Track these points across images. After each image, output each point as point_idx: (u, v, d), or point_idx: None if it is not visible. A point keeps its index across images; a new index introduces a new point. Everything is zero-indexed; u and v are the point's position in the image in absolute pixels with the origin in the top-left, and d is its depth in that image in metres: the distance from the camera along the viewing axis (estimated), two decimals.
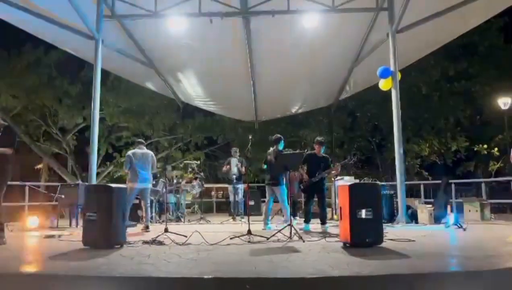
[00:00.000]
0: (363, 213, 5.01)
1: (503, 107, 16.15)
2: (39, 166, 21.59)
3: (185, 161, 15.55)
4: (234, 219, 9.96)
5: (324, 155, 7.72)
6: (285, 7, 9.24)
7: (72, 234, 6.78)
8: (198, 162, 10.15)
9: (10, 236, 5.89)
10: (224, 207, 14.63)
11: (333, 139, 16.74)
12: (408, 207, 8.84)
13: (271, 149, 7.89)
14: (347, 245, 5.12)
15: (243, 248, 5.12)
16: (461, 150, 17.48)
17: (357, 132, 19.27)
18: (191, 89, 13.88)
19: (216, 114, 17.79)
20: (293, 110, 15.42)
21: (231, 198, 10.33)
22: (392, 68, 9.05)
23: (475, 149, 16.89)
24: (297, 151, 7.39)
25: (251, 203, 11.93)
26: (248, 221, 6.21)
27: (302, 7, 9.37)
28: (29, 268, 4.02)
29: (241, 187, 10.23)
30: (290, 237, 5.82)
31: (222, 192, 16.80)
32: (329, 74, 12.60)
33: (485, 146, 16.48)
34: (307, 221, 7.49)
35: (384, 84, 9.21)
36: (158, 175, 9.72)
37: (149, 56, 11.75)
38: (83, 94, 17.06)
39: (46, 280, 3.58)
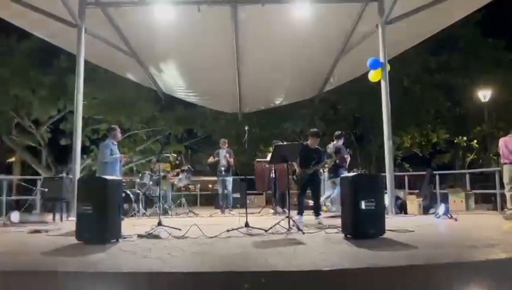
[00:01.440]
0: (366, 204, 4.95)
1: (483, 100, 16.51)
2: (12, 159, 20.82)
3: (165, 154, 15.26)
4: (223, 212, 9.81)
5: (317, 147, 7.65)
6: None
7: (60, 229, 6.49)
8: (175, 155, 9.92)
9: None
10: (208, 200, 14.49)
11: None
12: (397, 198, 8.90)
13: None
14: (349, 236, 5.07)
15: (245, 241, 4.99)
16: (441, 142, 17.82)
17: (338, 124, 19.32)
18: (174, 80, 13.59)
19: (197, 106, 17.53)
20: (277, 102, 15.33)
21: (220, 191, 10.15)
22: (381, 59, 9.06)
23: (455, 141, 17.24)
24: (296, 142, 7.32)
25: (237, 195, 11.81)
26: (246, 213, 6.08)
27: None
28: (27, 266, 3.77)
29: (229, 179, 10.08)
30: (289, 229, 5.73)
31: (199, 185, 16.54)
32: (315, 65, 12.53)
33: (465, 138, 16.85)
34: (300, 213, 7.41)
35: (373, 76, 9.21)
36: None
37: (132, 45, 11.40)
38: (58, 85, 16.51)
39: (48, 278, 3.38)
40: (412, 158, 19.78)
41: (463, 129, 18.17)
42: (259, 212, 9.71)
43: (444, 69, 17.60)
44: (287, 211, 9.29)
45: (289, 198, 6.31)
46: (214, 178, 16.89)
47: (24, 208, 8.20)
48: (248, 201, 12.29)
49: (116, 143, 7.65)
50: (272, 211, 9.67)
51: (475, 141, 16.87)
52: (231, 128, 18.90)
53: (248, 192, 12.73)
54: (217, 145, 12.27)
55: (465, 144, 17.08)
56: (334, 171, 8.73)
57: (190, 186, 14.98)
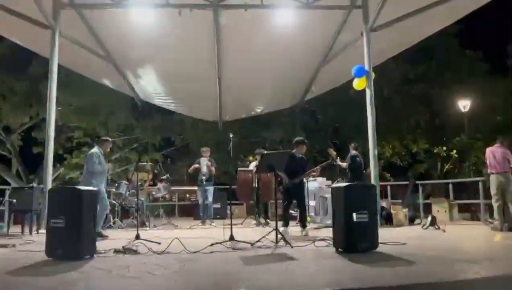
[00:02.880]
0: (358, 216, 4.71)
1: (463, 110, 16.67)
2: None
3: (140, 163, 14.77)
4: (203, 223, 9.42)
5: (302, 156, 7.41)
6: (259, 1, 8.88)
7: (29, 243, 6.02)
8: (151, 164, 9.51)
9: None
10: (186, 211, 14.04)
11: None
12: (382, 209, 8.72)
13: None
14: (340, 250, 4.81)
15: (231, 256, 4.66)
16: (420, 152, 17.92)
17: (319, 134, 19.24)
18: (152, 86, 13.18)
19: (175, 114, 17.11)
20: (258, 110, 15.06)
21: (200, 201, 9.75)
22: (366, 67, 8.92)
23: (435, 151, 17.36)
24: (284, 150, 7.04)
25: (217, 206, 11.44)
26: (231, 225, 5.74)
27: (275, 2, 9.07)
28: None
29: (211, 189, 9.70)
30: (276, 243, 5.42)
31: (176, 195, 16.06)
32: (296, 73, 12.36)
33: (444, 148, 16.97)
34: (286, 224, 7.13)
35: (358, 84, 9.06)
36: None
37: (109, 49, 10.96)
38: (31, 91, 15.87)
39: None
40: (390, 168, 19.84)
41: (441, 139, 18.33)
42: (241, 223, 9.38)
43: (423, 79, 17.76)
44: (270, 221, 9.11)
45: (276, 209, 6.01)
46: (192, 188, 16.52)
47: None
48: (228, 212, 11.99)
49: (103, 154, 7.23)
50: (254, 222, 9.35)
51: (454, 151, 17.03)
52: (210, 136, 18.54)
53: (228, 202, 12.38)
54: (195, 154, 11.95)
55: (444, 154, 17.20)
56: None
57: (166, 196, 14.50)
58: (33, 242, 6.14)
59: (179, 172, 21.02)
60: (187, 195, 19.44)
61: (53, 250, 4.51)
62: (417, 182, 10.92)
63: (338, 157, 9.26)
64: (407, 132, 17.76)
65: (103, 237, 6.68)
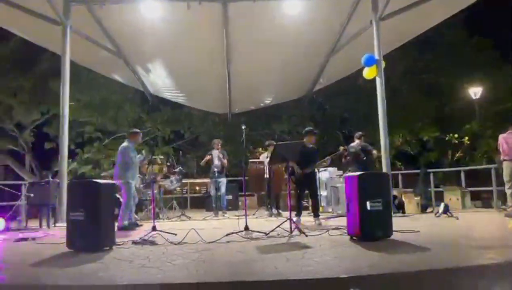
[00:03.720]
0: (373, 204, 4.74)
1: (474, 97, 16.54)
2: None
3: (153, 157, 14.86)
4: (216, 214, 9.52)
5: (313, 145, 7.43)
6: None
7: (48, 236, 6.14)
8: (162, 157, 9.57)
9: None
10: (197, 203, 14.15)
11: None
12: (394, 197, 8.73)
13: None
14: (355, 238, 4.86)
15: (247, 246, 4.73)
16: (430, 140, 17.84)
17: (327, 124, 19.19)
18: (162, 80, 13.26)
19: (184, 107, 17.20)
20: (267, 102, 15.10)
21: (212, 193, 9.84)
22: (376, 56, 8.90)
23: (447, 138, 17.27)
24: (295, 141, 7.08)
25: (229, 197, 11.53)
26: (245, 215, 5.81)
27: None
28: (15, 279, 3.45)
29: (223, 180, 9.79)
30: (291, 232, 5.48)
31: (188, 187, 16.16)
32: (305, 64, 12.34)
33: (456, 135, 16.89)
34: (299, 214, 7.18)
35: (368, 73, 9.04)
36: None
37: (118, 44, 11.05)
38: (40, 88, 16.02)
39: None
40: (401, 156, 19.76)
41: (451, 128, 18.20)
42: (253, 214, 9.47)
43: (431, 68, 17.61)
44: (281, 212, 9.18)
45: (289, 200, 6.06)
46: (202, 180, 16.64)
47: (9, 214, 7.80)
48: (240, 203, 12.11)
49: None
50: (266, 212, 9.43)
51: (466, 138, 16.94)
52: (219, 129, 18.61)
53: (240, 193, 12.48)
54: (204, 147, 12.02)
55: (456, 141, 17.10)
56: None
57: (178, 189, 14.62)
58: (52, 235, 6.28)
59: (189, 165, 21.12)
60: (197, 188, 19.51)
61: (73, 242, 4.61)
62: (428, 170, 10.87)
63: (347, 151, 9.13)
64: (416, 120, 17.66)
65: (133, 227, 6.81)
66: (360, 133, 8.97)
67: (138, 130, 7.67)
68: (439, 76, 17.60)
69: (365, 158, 8.46)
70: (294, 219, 6.98)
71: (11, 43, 15.14)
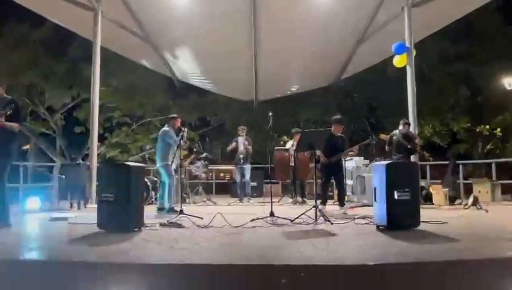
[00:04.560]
0: (400, 194, 4.68)
1: (508, 87, 16.02)
2: (26, 147, 20.79)
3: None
4: (241, 200, 9.61)
5: (341, 134, 7.37)
6: None
7: (79, 217, 6.34)
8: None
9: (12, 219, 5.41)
10: (222, 189, 14.29)
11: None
12: (421, 188, 8.58)
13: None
14: (381, 227, 4.82)
15: (273, 231, 4.77)
16: (461, 131, 17.43)
17: (354, 113, 18.96)
18: (189, 66, 13.36)
19: (210, 94, 17.28)
20: (294, 89, 15.02)
21: (238, 179, 9.93)
22: (407, 44, 8.72)
23: (477, 130, 16.83)
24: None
25: (254, 184, 11.60)
26: (271, 201, 5.86)
27: None
28: (51, 256, 3.59)
29: (248, 167, 9.85)
30: (316, 219, 5.49)
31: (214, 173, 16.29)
32: (333, 51, 12.22)
33: (487, 126, 16.43)
34: (324, 202, 7.17)
35: (398, 61, 8.89)
36: None
37: (147, 30, 11.18)
38: (71, 72, 16.39)
39: (72, 269, 3.17)
40: (430, 147, 19.36)
41: (482, 118, 17.70)
42: (278, 201, 9.50)
43: (463, 57, 17.09)
44: (306, 200, 9.18)
45: (315, 187, 6.06)
46: (227, 167, 16.76)
47: (43, 195, 8.08)
48: (264, 190, 12.15)
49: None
50: (291, 200, 9.45)
51: (498, 129, 16.45)
52: (245, 116, 18.65)
53: (264, 180, 12.52)
54: (229, 134, 12.09)
55: (487, 132, 16.64)
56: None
57: (203, 175, 14.79)
58: (83, 216, 6.47)
59: (214, 151, 21.30)
60: (222, 174, 19.67)
61: (104, 223, 4.74)
62: (458, 161, 10.64)
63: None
64: (447, 111, 17.25)
65: (175, 211, 6.94)
66: (405, 120, 8.68)
67: (176, 115, 7.78)
68: (472, 65, 17.07)
69: (408, 146, 8.31)
70: (320, 207, 7.02)
71: (44, 28, 15.49)
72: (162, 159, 7.21)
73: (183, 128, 7.19)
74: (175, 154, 6.92)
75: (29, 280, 3.09)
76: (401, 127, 8.55)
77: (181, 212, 5.88)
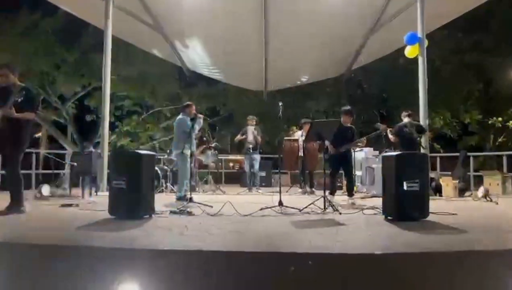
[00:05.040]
0: (410, 185, 4.68)
1: None
2: (38, 134, 21.01)
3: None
4: (250, 190, 9.67)
5: (350, 125, 7.35)
6: None
7: (89, 204, 6.44)
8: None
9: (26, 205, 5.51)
10: (231, 178, 14.37)
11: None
12: (431, 180, 8.55)
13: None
14: (390, 218, 4.84)
15: (282, 220, 4.82)
16: (473, 123, 17.26)
17: (364, 104, 18.84)
18: (199, 55, 13.35)
19: (220, 84, 17.28)
20: (304, 80, 14.97)
21: (247, 169, 9.99)
22: (419, 34, 8.63)
23: (490, 122, 16.65)
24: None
25: (262, 174, 11.64)
26: (280, 191, 5.89)
27: None
28: (63, 241, 3.67)
29: (257, 157, 9.89)
30: (325, 209, 5.52)
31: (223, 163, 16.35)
32: (345, 41, 12.10)
33: (500, 119, 16.25)
34: (332, 192, 7.18)
35: (410, 51, 8.81)
36: None
37: (158, 18, 11.18)
38: (82, 61, 16.48)
39: (83, 254, 3.24)
40: (440, 139, 19.20)
41: (494, 111, 17.47)
42: (286, 191, 9.53)
43: (476, 48, 16.84)
44: (314, 190, 9.21)
45: (324, 179, 6.08)
46: (236, 157, 16.81)
47: (56, 182, 8.21)
48: (273, 180, 12.19)
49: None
50: (300, 190, 9.48)
51: (511, 122, 16.24)
52: (254, 106, 18.63)
53: (273, 171, 12.56)
54: (239, 124, 12.13)
55: (500, 124, 16.44)
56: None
57: (212, 164, 14.86)
58: (94, 203, 6.57)
59: (223, 141, 21.34)
60: (231, 164, 19.73)
61: (115, 209, 4.82)
62: (469, 153, 10.56)
63: (388, 129, 8.97)
64: (459, 102, 17.06)
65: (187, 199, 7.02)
66: (408, 111, 8.49)
67: (190, 103, 7.79)
68: (484, 56, 16.82)
69: (418, 138, 8.22)
70: (328, 197, 7.03)
71: (56, 17, 15.56)
72: (178, 148, 7.28)
73: (198, 115, 7.26)
74: (188, 142, 6.99)
75: (41, 264, 3.17)
76: (407, 119, 8.43)
77: (190, 200, 5.95)
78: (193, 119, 7.16)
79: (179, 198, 6.98)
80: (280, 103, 6.36)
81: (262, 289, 2.93)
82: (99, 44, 9.66)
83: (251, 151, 9.73)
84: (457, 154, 10.80)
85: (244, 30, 11.34)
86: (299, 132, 9.77)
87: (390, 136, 8.44)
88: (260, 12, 10.46)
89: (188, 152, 7.21)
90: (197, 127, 7.33)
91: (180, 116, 7.53)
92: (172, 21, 11.36)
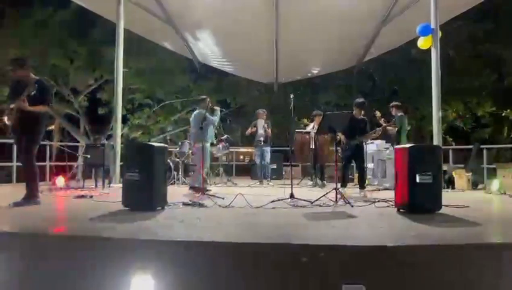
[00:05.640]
0: (422, 177, 4.66)
1: None
2: (51, 127, 21.26)
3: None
4: (261, 182, 9.69)
5: (363, 117, 7.32)
6: None
7: (103, 195, 6.52)
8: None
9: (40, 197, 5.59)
10: (242, 171, 14.41)
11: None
12: (444, 173, 8.49)
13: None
14: (402, 210, 4.83)
15: (293, 212, 4.84)
16: (485, 116, 17.04)
17: (375, 96, 18.68)
18: (210, 48, 13.33)
19: (230, 76, 17.27)
20: (315, 72, 14.86)
21: (258, 161, 10.02)
22: (432, 25, 8.51)
23: (503, 114, 16.43)
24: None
25: (273, 167, 11.65)
26: (291, 183, 5.90)
27: None
28: (77, 231, 3.73)
29: (268, 149, 9.91)
30: (336, 201, 5.52)
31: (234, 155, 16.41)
32: (356, 32, 11.94)
33: None
34: (344, 185, 7.18)
35: (423, 43, 8.68)
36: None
37: (169, 11, 11.18)
38: (94, 54, 16.59)
39: (98, 244, 3.29)
40: (452, 131, 19.03)
41: (508, 103, 17.22)
42: (297, 184, 9.54)
43: (490, 39, 16.56)
44: (326, 183, 9.20)
45: (336, 171, 6.07)
46: (247, 149, 16.87)
47: (70, 173, 8.32)
48: (284, 173, 12.20)
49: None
50: (311, 182, 9.48)
51: None
52: (265, 98, 18.61)
53: (284, 163, 12.56)
54: (249, 116, 12.16)
55: None
56: None
57: (223, 157, 14.92)
58: (107, 194, 6.65)
59: (233, 134, 21.39)
60: (241, 157, 19.79)
61: (128, 201, 4.89)
62: (482, 146, 10.44)
63: (382, 119, 8.95)
64: (472, 94, 16.82)
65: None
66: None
67: (205, 96, 7.90)
68: (499, 48, 16.54)
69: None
70: (340, 190, 7.02)
71: (69, 10, 15.67)
72: (195, 140, 7.46)
73: (214, 107, 7.37)
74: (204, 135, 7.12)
75: (57, 254, 3.24)
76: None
77: (206, 191, 6.00)
78: (212, 112, 7.37)
79: (192, 188, 7.10)
80: (292, 96, 6.35)
81: (274, 280, 2.96)
82: (111, 37, 9.71)
83: (261, 143, 9.75)
84: (470, 146, 10.71)
85: (255, 22, 11.27)
86: (311, 125, 9.76)
87: (388, 127, 8.45)
88: (271, 4, 10.40)
89: (206, 144, 7.34)
90: (216, 119, 7.43)
91: (196, 110, 7.67)
92: (183, 14, 11.35)
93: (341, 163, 7.13)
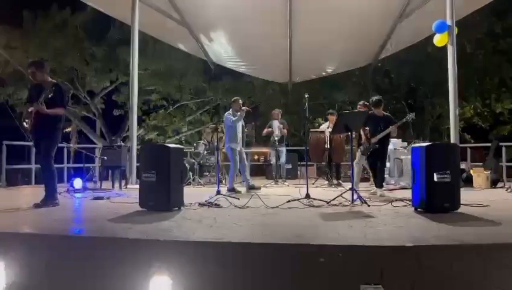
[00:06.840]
0: (440, 176, 4.60)
1: None
2: (68, 129, 21.57)
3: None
4: (276, 182, 9.68)
5: (387, 114, 7.16)
6: None
7: (120, 196, 6.59)
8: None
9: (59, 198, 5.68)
10: (257, 171, 14.40)
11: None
12: (462, 171, 8.37)
13: None
14: (420, 210, 4.77)
15: (309, 212, 4.82)
16: (504, 112, 16.73)
17: (392, 94, 18.51)
18: (224, 49, 13.37)
19: (245, 76, 17.30)
20: (330, 70, 14.76)
21: (273, 161, 10.02)
22: (448, 22, 8.40)
23: None
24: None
25: (288, 166, 11.60)
26: (307, 183, 5.88)
27: None
28: (95, 232, 3.78)
29: (283, 149, 9.89)
30: (353, 201, 5.48)
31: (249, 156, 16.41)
32: (371, 30, 11.86)
33: None
34: (378, 186, 7.02)
35: (439, 40, 8.58)
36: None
37: (183, 13, 11.27)
38: (110, 56, 16.80)
39: (116, 244, 3.33)
40: (470, 129, 18.73)
41: None
42: (312, 183, 9.48)
43: (509, 35, 16.26)
44: (341, 182, 9.13)
45: (352, 170, 6.02)
46: (262, 149, 16.84)
47: (88, 175, 8.44)
48: (299, 172, 12.15)
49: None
50: (326, 182, 9.43)
51: None
52: (279, 98, 18.59)
53: (299, 163, 12.51)
54: (264, 116, 12.16)
55: None
56: None
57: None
58: (124, 195, 6.72)
59: (249, 134, 21.41)
60: (256, 157, 19.79)
61: (145, 202, 4.94)
62: (501, 144, 10.25)
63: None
64: (491, 90, 16.54)
65: (236, 191, 7.25)
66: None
67: (237, 98, 8.05)
68: None
69: None
70: (356, 189, 6.94)
71: (85, 13, 15.90)
72: (227, 142, 7.68)
73: (242, 108, 7.56)
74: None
75: (76, 254, 3.28)
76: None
77: (218, 192, 6.02)
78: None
79: (230, 190, 7.33)
80: (306, 96, 6.33)
81: (292, 280, 2.96)
82: (126, 39, 9.84)
83: (277, 143, 9.74)
84: (489, 144, 10.52)
85: (269, 22, 11.27)
86: (326, 124, 9.71)
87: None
88: (284, 5, 10.38)
89: (236, 146, 7.55)
90: (238, 121, 7.55)
91: (227, 113, 7.86)
92: (197, 15, 11.42)
93: (364, 162, 7.08)
